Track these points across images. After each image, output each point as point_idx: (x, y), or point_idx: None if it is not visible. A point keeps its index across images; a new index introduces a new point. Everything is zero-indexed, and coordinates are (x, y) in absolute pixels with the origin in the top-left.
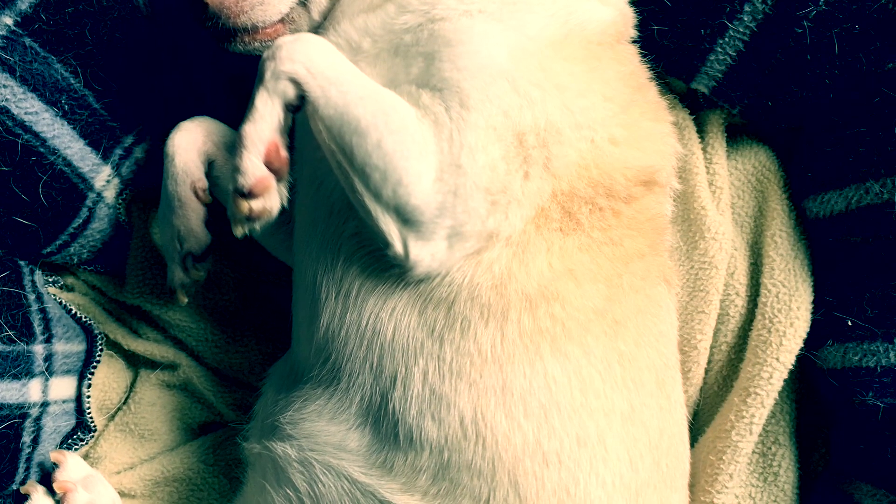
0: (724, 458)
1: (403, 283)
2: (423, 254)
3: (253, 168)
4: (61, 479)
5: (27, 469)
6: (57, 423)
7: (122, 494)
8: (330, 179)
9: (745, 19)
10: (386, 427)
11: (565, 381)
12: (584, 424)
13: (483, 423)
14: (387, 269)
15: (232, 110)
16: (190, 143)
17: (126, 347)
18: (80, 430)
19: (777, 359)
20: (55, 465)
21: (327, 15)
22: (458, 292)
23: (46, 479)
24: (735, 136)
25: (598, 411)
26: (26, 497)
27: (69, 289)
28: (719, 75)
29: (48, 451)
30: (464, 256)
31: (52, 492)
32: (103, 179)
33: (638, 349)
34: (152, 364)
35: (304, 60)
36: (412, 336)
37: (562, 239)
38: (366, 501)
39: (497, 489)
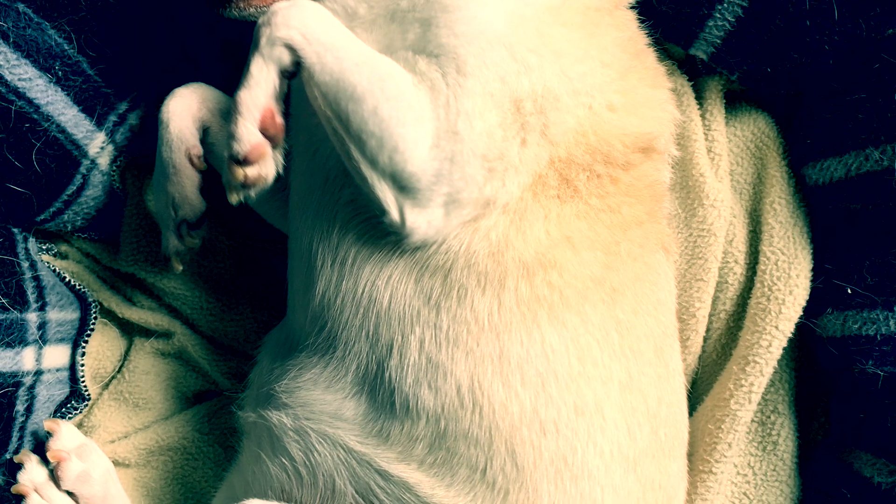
0: (722, 426)
1: (400, 251)
2: (420, 221)
3: (248, 135)
4: (55, 447)
5: (20, 438)
6: (51, 392)
7: (116, 463)
8: (326, 146)
9: None
10: (382, 396)
11: (563, 349)
12: (582, 393)
13: (480, 392)
14: (383, 236)
15: (227, 77)
16: (184, 109)
17: (120, 315)
18: (73, 399)
19: (776, 327)
20: (49, 434)
21: None
22: (454, 260)
23: (40, 448)
24: (734, 103)
25: (596, 380)
26: (20, 466)
27: (63, 256)
28: (718, 41)
29: (42, 419)
30: (460, 224)
31: (45, 461)
32: (97, 146)
33: (636, 317)
34: (147, 332)
35: (299, 26)
36: (408, 304)
37: (559, 206)
38: (362, 470)
39: (494, 458)
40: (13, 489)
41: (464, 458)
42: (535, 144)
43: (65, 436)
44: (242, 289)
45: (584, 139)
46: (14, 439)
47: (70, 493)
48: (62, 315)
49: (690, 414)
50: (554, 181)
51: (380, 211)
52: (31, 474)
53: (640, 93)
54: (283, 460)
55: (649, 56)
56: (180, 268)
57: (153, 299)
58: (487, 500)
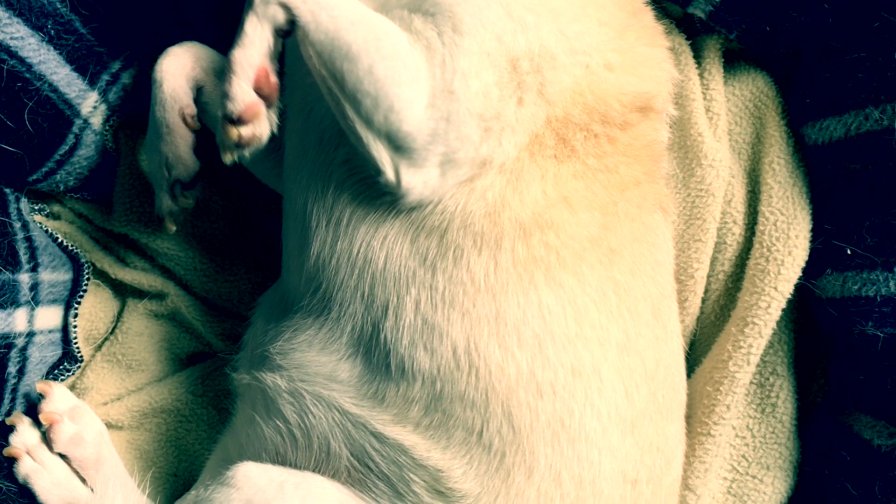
0: (721, 388)
1: (395, 211)
2: (416, 181)
3: (242, 94)
4: (47, 410)
5: (13, 400)
6: (43, 354)
7: (108, 426)
8: (320, 106)
9: None
10: (377, 357)
11: (560, 310)
12: (579, 355)
13: (476, 354)
14: (378, 196)
15: (221, 37)
16: (178, 68)
17: (113, 276)
18: (66, 361)
19: (775, 288)
20: (41, 396)
21: None
22: (450, 220)
23: (32, 410)
24: (732, 62)
25: (593, 341)
26: (12, 429)
27: (55, 217)
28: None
29: (34, 381)
30: (456, 184)
31: (38, 423)
32: (90, 106)
33: (634, 278)
34: (140, 293)
35: None
36: (404, 265)
37: (556, 166)
38: (357, 433)
39: (490, 420)
40: (5, 451)
41: (460, 420)
42: (532, 104)
43: (57, 398)
44: (236, 249)
45: (582, 98)
46: (6, 401)
47: (62, 456)
48: (55, 276)
49: (689, 376)
50: (551, 141)
51: (375, 171)
52: (24, 437)
53: (637, 52)
54: (278, 422)
55: (647, 15)
56: (174, 228)
57: (146, 260)
58: (483, 463)
